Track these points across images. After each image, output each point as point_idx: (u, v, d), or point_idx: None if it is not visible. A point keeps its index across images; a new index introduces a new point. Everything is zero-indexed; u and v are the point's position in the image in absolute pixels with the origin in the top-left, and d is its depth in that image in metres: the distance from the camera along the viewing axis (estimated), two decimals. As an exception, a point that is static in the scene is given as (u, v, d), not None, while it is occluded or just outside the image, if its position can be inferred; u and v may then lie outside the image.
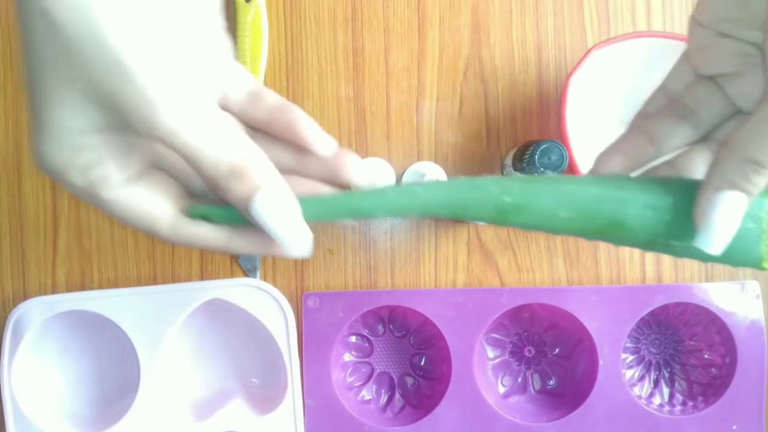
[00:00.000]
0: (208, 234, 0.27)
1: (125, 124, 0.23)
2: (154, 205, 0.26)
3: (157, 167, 0.28)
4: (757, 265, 0.28)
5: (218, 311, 0.53)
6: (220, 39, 0.28)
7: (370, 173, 0.30)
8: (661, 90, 0.34)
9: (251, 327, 0.52)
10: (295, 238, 0.25)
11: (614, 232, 0.29)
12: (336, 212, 0.28)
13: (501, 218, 0.29)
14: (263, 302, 0.51)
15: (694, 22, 0.31)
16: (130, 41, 0.20)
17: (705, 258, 0.28)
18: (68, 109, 0.22)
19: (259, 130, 0.29)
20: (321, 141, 0.27)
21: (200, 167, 0.24)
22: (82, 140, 0.23)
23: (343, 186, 0.29)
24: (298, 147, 0.28)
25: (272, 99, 0.28)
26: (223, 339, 0.54)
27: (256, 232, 0.26)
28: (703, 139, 0.32)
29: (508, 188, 0.29)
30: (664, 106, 0.32)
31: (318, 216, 0.28)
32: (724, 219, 0.25)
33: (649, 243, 0.29)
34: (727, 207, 0.25)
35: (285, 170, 0.28)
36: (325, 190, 0.29)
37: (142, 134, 0.23)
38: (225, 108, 0.29)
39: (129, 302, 0.51)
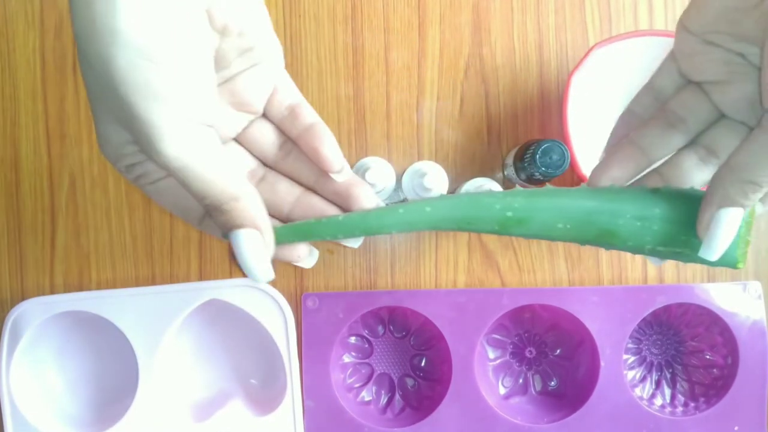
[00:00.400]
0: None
1: None
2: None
3: None
4: (733, 266, 0.32)
5: (217, 312, 0.52)
6: (271, 48, 0.31)
7: (378, 202, 0.32)
8: (649, 88, 0.35)
9: (250, 328, 0.51)
10: (258, 273, 0.28)
11: (606, 240, 0.32)
12: (351, 230, 0.31)
13: (503, 230, 0.32)
14: (262, 303, 0.51)
15: (682, 27, 0.32)
16: (138, 88, 0.24)
17: (687, 260, 0.31)
18: (110, 128, 0.27)
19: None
20: (337, 168, 0.31)
21: (192, 195, 0.27)
22: (123, 150, 0.28)
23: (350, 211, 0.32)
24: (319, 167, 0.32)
25: (306, 119, 0.32)
26: (222, 340, 0.54)
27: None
28: (689, 143, 0.34)
29: (510, 204, 0.31)
30: (653, 116, 0.34)
31: (335, 234, 0.31)
32: (725, 231, 0.29)
33: (638, 248, 0.32)
34: (728, 222, 0.29)
35: (306, 185, 0.33)
36: (335, 211, 0.32)
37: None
38: (268, 115, 0.32)
39: (127, 303, 0.50)
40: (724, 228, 0.29)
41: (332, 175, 0.31)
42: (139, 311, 0.50)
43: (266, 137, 0.32)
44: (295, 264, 0.33)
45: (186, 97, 0.26)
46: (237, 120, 0.32)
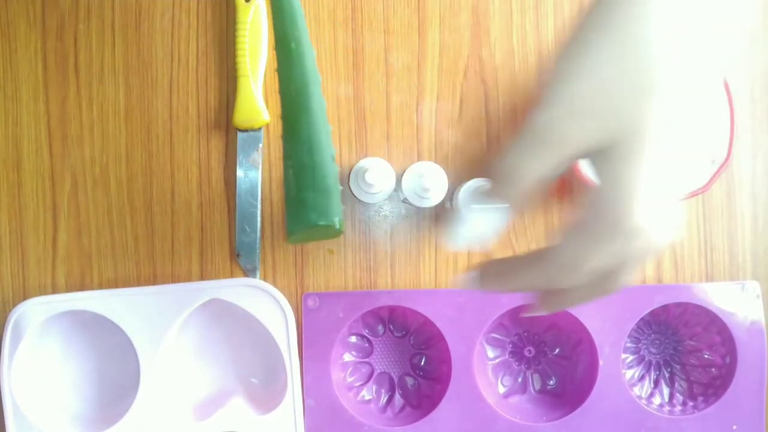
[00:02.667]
0: None
1: None
2: None
3: None
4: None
5: (218, 311, 0.53)
6: None
7: None
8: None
9: (251, 327, 0.52)
10: None
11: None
12: None
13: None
14: (263, 302, 0.51)
15: None
16: None
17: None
18: None
19: None
20: None
21: None
22: None
23: None
24: None
25: None
26: (223, 339, 0.54)
27: None
28: None
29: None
30: None
31: None
32: None
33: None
34: None
35: None
36: None
37: None
38: None
39: (129, 302, 0.51)
40: None
41: None
42: (140, 311, 0.50)
43: None
44: None
45: None
46: None
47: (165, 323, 0.50)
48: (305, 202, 0.45)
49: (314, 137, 0.45)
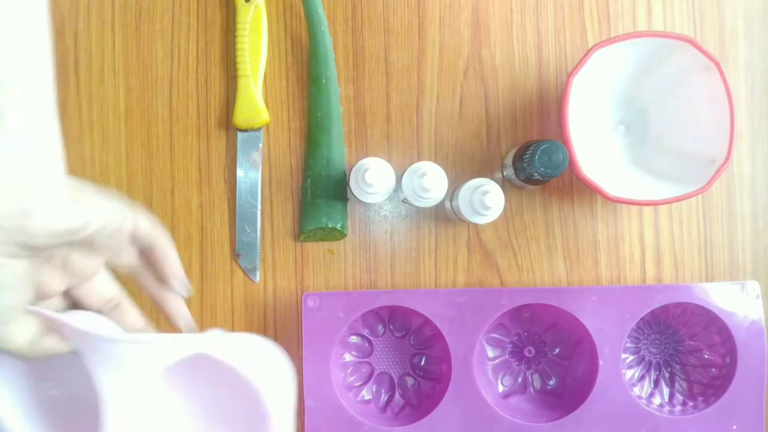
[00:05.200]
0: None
1: None
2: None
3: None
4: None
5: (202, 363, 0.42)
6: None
7: (190, 323, 0.40)
8: None
9: (238, 381, 0.38)
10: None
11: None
12: None
13: None
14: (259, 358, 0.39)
15: None
16: None
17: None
18: None
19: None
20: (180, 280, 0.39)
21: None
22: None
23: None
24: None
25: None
26: (207, 392, 0.39)
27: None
28: None
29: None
30: None
31: None
32: None
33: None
34: None
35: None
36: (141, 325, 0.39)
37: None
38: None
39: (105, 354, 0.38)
40: None
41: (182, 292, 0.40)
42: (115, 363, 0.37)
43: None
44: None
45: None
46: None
47: (142, 377, 0.37)
48: (318, 206, 0.53)
49: (331, 155, 0.54)
